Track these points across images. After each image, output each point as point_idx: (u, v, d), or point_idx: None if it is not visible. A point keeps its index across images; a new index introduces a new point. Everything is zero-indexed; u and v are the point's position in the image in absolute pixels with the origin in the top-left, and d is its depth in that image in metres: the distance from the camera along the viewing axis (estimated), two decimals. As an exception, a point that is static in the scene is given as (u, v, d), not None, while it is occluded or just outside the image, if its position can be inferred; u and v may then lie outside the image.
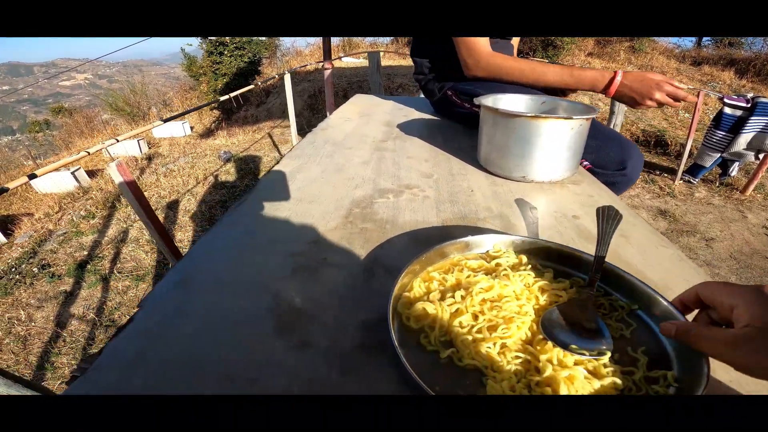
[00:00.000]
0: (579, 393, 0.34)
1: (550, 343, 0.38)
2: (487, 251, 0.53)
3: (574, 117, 0.73)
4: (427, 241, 0.59)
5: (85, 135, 8.10)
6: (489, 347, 0.38)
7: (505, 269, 0.48)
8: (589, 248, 0.60)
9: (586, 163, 0.98)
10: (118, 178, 1.29)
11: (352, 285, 0.49)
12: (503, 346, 0.39)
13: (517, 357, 0.38)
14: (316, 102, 5.70)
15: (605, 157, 0.96)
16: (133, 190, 1.29)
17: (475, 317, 0.42)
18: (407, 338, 0.41)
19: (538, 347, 0.39)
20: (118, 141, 1.55)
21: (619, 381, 0.35)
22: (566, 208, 0.72)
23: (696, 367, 0.35)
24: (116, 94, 9.53)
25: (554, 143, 0.76)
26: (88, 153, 1.62)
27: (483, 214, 0.67)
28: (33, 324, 2.22)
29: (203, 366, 0.38)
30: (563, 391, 0.34)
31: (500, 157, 0.82)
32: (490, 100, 0.90)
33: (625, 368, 0.37)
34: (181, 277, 0.52)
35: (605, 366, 0.37)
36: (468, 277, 0.47)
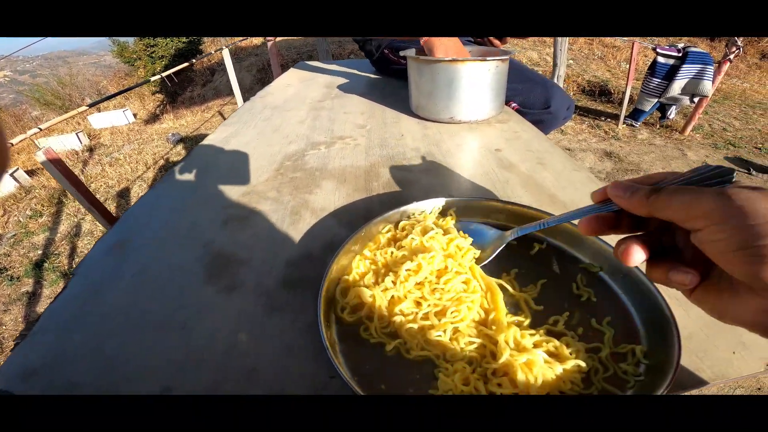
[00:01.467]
0: (538, 380, 0.30)
1: (506, 322, 0.35)
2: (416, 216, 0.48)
3: (489, 59, 0.76)
4: (354, 182, 0.61)
5: (16, 134, 7.42)
6: (439, 335, 0.35)
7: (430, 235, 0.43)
8: (506, 175, 0.64)
9: (514, 104, 1.02)
10: (48, 166, 1.23)
11: (279, 228, 0.51)
12: (455, 331, 0.35)
13: (471, 342, 0.34)
14: (266, 76, 5.47)
15: (531, 98, 1.02)
16: (66, 174, 1.23)
17: (418, 304, 0.38)
18: (347, 330, 0.37)
19: (494, 327, 0.35)
20: (41, 130, 1.45)
21: (583, 364, 0.32)
22: (491, 143, 0.76)
23: (667, 337, 0.32)
24: (42, 88, 8.71)
25: (475, 84, 0.79)
26: (12, 144, 1.52)
27: (410, 154, 0.70)
28: (4, 327, 2.17)
29: (137, 317, 0.40)
30: (521, 379, 0.30)
31: (428, 102, 0.85)
32: (413, 51, 0.92)
33: (589, 345, 0.34)
34: (115, 240, 0.52)
35: (568, 345, 0.33)
36: (392, 255, 0.42)
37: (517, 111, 1.01)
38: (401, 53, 0.90)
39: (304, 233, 0.50)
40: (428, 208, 0.48)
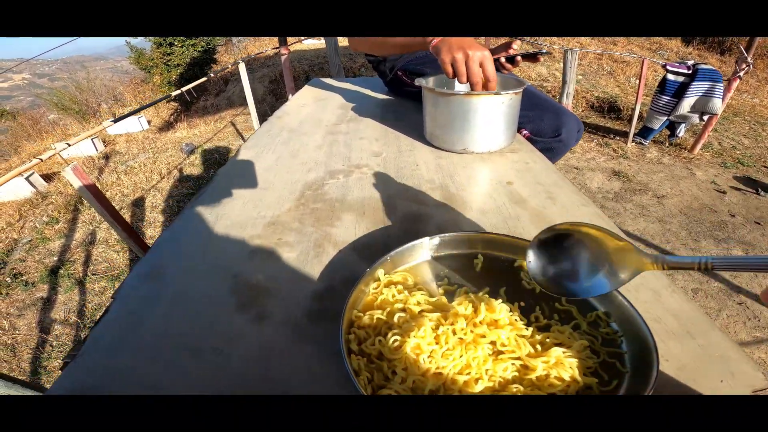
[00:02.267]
0: (574, 373, 0.35)
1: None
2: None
3: (503, 93, 0.80)
4: (373, 215, 0.65)
5: (33, 138, 7.63)
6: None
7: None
8: (516, 210, 0.67)
9: (525, 132, 1.05)
10: (76, 183, 1.28)
11: (303, 260, 0.55)
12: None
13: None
14: (278, 87, 5.58)
15: (542, 126, 1.04)
16: (93, 192, 1.28)
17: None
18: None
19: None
20: (69, 145, 1.51)
21: (585, 342, 0.38)
22: (502, 175, 0.79)
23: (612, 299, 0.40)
24: (61, 92, 8.94)
25: (488, 117, 0.82)
26: (41, 160, 1.58)
27: (425, 186, 0.74)
28: (17, 332, 2.21)
29: (174, 342, 0.43)
30: (558, 380, 0.35)
31: (443, 133, 0.88)
32: (431, 81, 0.96)
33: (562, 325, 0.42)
34: (148, 268, 0.56)
35: (560, 332, 0.40)
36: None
37: (528, 139, 1.04)
38: (416, 82, 0.94)
39: (327, 266, 0.53)
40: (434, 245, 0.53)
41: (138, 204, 3.22)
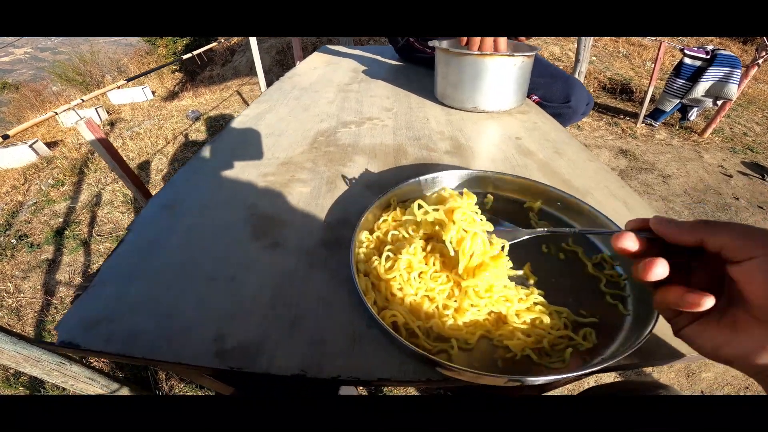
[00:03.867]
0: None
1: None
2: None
3: (516, 54, 0.80)
4: (384, 158, 0.66)
5: (36, 108, 7.58)
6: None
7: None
8: (524, 161, 0.69)
9: (535, 97, 1.06)
10: (89, 136, 1.29)
11: (316, 195, 0.57)
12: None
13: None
14: (285, 58, 5.50)
15: (552, 92, 1.05)
16: (105, 145, 1.30)
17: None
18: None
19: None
20: (83, 101, 1.52)
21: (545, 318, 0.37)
22: (511, 132, 0.80)
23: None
24: (64, 64, 8.82)
25: (500, 77, 0.83)
26: (56, 113, 1.59)
27: (435, 137, 0.75)
28: (22, 295, 2.19)
29: (189, 271, 0.43)
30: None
31: (454, 91, 0.89)
32: (445, 43, 0.96)
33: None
34: (165, 201, 0.57)
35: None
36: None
37: (538, 104, 1.04)
38: (430, 43, 0.94)
39: (339, 200, 0.55)
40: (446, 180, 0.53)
41: (143, 167, 3.24)
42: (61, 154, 3.76)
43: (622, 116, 3.71)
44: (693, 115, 3.46)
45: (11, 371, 1.66)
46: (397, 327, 0.36)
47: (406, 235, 0.43)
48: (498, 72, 0.82)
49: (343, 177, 0.61)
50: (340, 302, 0.40)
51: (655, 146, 3.26)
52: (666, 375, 1.32)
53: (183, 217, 0.53)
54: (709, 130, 3.41)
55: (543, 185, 0.52)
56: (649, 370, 1.33)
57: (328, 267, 0.44)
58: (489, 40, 0.79)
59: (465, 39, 0.82)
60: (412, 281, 0.38)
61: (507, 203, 0.54)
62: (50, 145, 4.12)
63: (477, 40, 0.80)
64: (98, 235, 2.50)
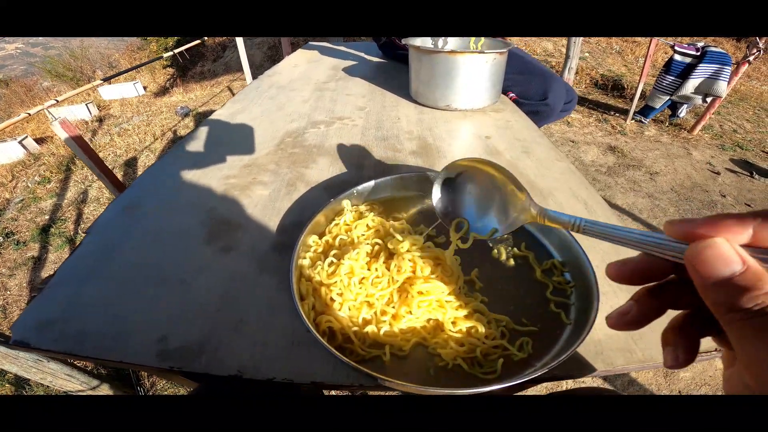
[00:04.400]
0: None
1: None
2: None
3: (487, 51, 0.79)
4: (348, 159, 0.66)
5: (26, 104, 7.49)
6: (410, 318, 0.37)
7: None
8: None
9: (512, 94, 1.05)
10: (63, 135, 1.28)
11: (275, 197, 0.56)
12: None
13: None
14: (276, 53, 5.45)
15: (529, 89, 1.04)
16: (80, 144, 1.28)
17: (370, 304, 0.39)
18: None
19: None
20: (57, 101, 1.50)
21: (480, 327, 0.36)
22: (481, 130, 0.79)
23: (570, 248, 0.41)
24: (54, 60, 8.73)
25: (472, 75, 0.82)
26: (29, 114, 1.57)
27: (403, 137, 0.74)
28: (8, 292, 2.19)
29: (144, 273, 0.44)
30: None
31: (427, 90, 0.88)
32: (418, 40, 0.95)
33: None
34: (127, 203, 0.57)
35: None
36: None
37: (515, 101, 1.03)
38: (403, 41, 0.93)
39: (297, 202, 0.55)
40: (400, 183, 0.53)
41: (131, 164, 3.21)
42: (49, 151, 3.73)
43: (612, 113, 3.72)
44: (683, 112, 3.47)
45: (-7, 371, 1.65)
46: (333, 332, 0.36)
47: (356, 239, 0.43)
48: (470, 69, 0.81)
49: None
50: (285, 307, 0.40)
51: (644, 143, 3.27)
52: (644, 374, 1.33)
53: (143, 219, 0.53)
54: (699, 127, 3.43)
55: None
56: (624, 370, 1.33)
57: (278, 271, 0.44)
58: None
59: None
60: (352, 287, 0.38)
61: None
62: (39, 141, 4.08)
63: None
64: (84, 233, 2.48)
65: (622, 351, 0.36)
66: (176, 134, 3.67)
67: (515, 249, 0.46)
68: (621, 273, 0.21)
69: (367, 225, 0.46)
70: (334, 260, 0.40)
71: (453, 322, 0.36)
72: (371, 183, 0.51)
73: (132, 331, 0.38)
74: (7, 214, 2.83)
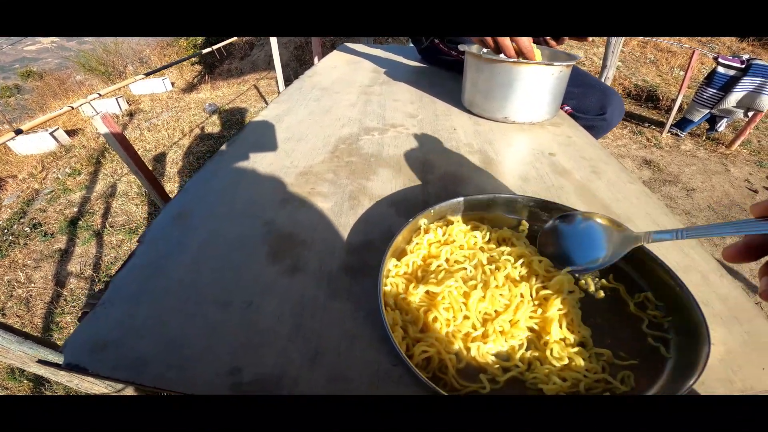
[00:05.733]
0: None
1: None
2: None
3: (555, 63, 0.75)
4: (410, 172, 0.62)
5: (59, 96, 7.75)
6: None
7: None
8: (560, 181, 0.64)
9: (567, 108, 1.00)
10: (103, 130, 1.28)
11: (338, 212, 0.53)
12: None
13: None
14: (303, 53, 5.48)
15: (586, 103, 0.99)
16: (119, 140, 1.28)
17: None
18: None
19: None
20: (101, 96, 1.51)
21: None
22: (544, 146, 0.75)
23: (665, 281, 0.38)
24: (88, 54, 8.99)
25: (535, 87, 0.77)
26: (72, 108, 1.59)
27: (463, 149, 0.70)
28: (33, 285, 2.20)
29: (203, 293, 0.40)
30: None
31: (483, 100, 0.84)
32: (475, 47, 0.90)
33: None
34: (178, 210, 0.54)
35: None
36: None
37: (570, 115, 0.98)
38: (460, 47, 0.89)
39: (362, 218, 0.51)
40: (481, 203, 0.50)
41: (159, 159, 3.26)
42: (80, 143, 3.81)
43: (647, 124, 3.60)
44: (722, 126, 3.33)
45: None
46: (430, 361, 0.34)
47: (460, 259, 0.41)
48: (533, 81, 0.77)
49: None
50: (365, 337, 0.36)
51: (680, 157, 3.15)
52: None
53: (196, 230, 0.50)
54: (738, 142, 3.28)
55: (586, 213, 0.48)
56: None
57: (351, 296, 0.40)
58: (527, 44, 0.73)
59: (492, 43, 0.75)
60: (460, 298, 0.36)
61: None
62: (70, 133, 4.18)
63: (509, 43, 0.73)
64: (111, 227, 2.52)
65: (722, 381, 0.34)
66: (204, 131, 3.72)
67: (603, 280, 0.43)
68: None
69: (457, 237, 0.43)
70: (433, 282, 0.37)
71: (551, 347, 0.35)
72: (452, 201, 0.48)
73: (197, 359, 0.34)
74: (36, 205, 2.89)
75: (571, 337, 0.36)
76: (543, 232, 0.43)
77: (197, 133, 3.66)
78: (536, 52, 0.79)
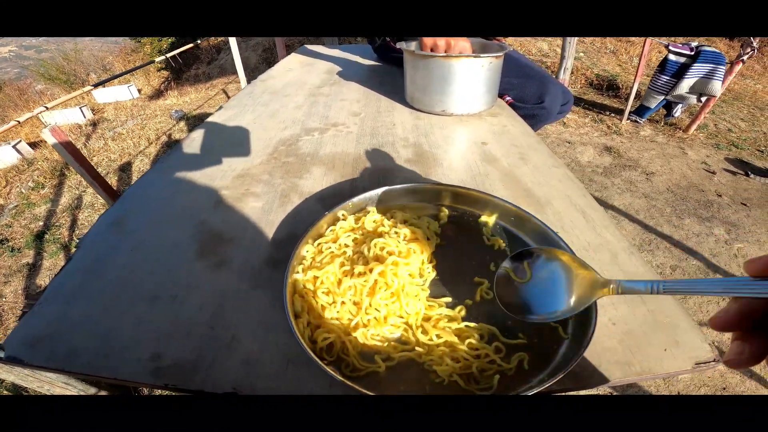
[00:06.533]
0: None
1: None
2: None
3: (483, 55, 0.78)
4: (342, 169, 0.65)
5: (20, 107, 7.44)
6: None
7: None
8: (487, 168, 0.67)
9: (508, 98, 1.04)
10: (52, 141, 1.26)
11: (268, 209, 0.55)
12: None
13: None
14: (272, 56, 5.43)
15: (526, 93, 1.03)
16: (70, 151, 1.26)
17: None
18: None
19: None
20: (47, 108, 1.48)
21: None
22: (478, 136, 0.78)
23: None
24: (48, 63, 8.67)
25: (468, 79, 0.81)
26: (19, 122, 1.55)
27: (399, 144, 0.73)
28: (4, 299, 2.17)
29: (134, 290, 0.43)
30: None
31: (422, 95, 0.87)
32: (413, 45, 0.94)
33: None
34: (114, 217, 0.56)
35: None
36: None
37: (511, 105, 1.03)
38: (397, 44, 0.92)
39: (291, 214, 0.53)
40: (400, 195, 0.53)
41: (125, 169, 3.18)
42: (42, 156, 3.69)
43: (607, 113, 3.73)
44: (678, 111, 3.49)
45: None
46: (332, 346, 0.37)
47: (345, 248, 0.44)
48: (466, 74, 0.80)
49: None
50: (280, 324, 0.39)
51: (640, 143, 3.27)
52: (644, 375, 1.33)
53: (132, 234, 0.52)
54: (694, 127, 3.44)
55: (498, 199, 0.51)
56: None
57: (272, 286, 0.43)
58: (448, 41, 0.78)
59: (428, 43, 0.80)
60: (337, 283, 0.39)
61: (462, 217, 0.53)
62: (33, 145, 4.04)
63: (441, 43, 0.78)
64: (78, 239, 2.46)
65: (620, 364, 0.35)
66: (171, 138, 3.65)
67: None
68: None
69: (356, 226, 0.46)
70: (317, 266, 0.40)
71: (435, 324, 0.37)
72: (369, 193, 0.50)
73: (123, 348, 0.37)
74: (2, 221, 2.80)
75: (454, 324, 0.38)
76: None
77: (164, 140, 3.59)
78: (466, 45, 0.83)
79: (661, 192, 2.70)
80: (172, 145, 3.50)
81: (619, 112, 3.66)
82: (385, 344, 0.37)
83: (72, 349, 0.38)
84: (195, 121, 3.98)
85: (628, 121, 3.55)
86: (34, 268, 2.33)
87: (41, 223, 2.69)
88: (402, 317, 0.39)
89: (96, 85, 1.77)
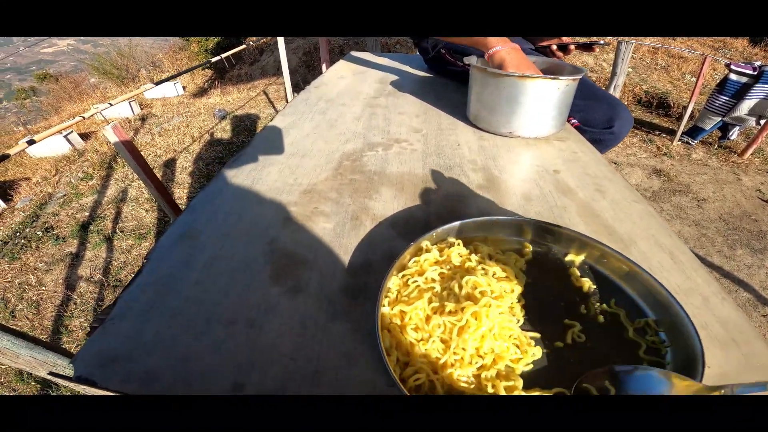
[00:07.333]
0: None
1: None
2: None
3: (560, 77, 0.74)
4: (412, 191, 0.62)
5: (74, 99, 7.91)
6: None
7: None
8: (563, 200, 0.63)
9: (574, 121, 0.99)
10: (114, 139, 1.30)
11: (340, 232, 0.53)
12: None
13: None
14: (312, 59, 5.53)
15: (593, 116, 0.98)
16: (130, 149, 1.30)
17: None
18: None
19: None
20: (111, 105, 1.54)
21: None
22: (548, 163, 0.74)
23: (668, 307, 0.38)
24: (102, 58, 9.19)
25: (540, 102, 0.77)
26: (84, 118, 1.62)
27: (467, 166, 0.70)
28: (44, 288, 2.24)
29: (208, 311, 0.42)
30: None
31: (488, 114, 0.84)
32: (480, 61, 0.90)
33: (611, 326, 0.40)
34: (184, 230, 0.55)
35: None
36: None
37: (577, 128, 0.98)
38: (465, 60, 0.89)
39: (365, 240, 0.51)
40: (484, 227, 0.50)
41: (169, 165, 3.30)
42: (92, 147, 3.88)
43: (657, 132, 3.56)
44: (734, 134, 3.28)
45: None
46: (420, 387, 0.35)
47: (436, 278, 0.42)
48: (539, 96, 0.77)
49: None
50: (363, 358, 0.37)
51: (691, 166, 3.10)
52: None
53: (202, 249, 0.51)
54: (750, 151, 3.23)
55: (586, 238, 0.47)
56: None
57: (350, 317, 0.41)
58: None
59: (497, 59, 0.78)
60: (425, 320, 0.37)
61: (547, 255, 0.50)
62: (84, 136, 4.25)
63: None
64: (121, 232, 2.55)
65: None
66: (213, 136, 3.76)
67: (605, 305, 0.43)
68: None
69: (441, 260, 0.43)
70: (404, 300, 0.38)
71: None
72: (451, 225, 0.48)
73: (203, 373, 0.36)
74: (48, 209, 2.94)
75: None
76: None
77: (207, 138, 3.71)
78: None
79: (712, 220, 2.55)
80: (214, 144, 3.60)
81: (670, 132, 3.49)
82: (472, 386, 0.35)
83: (148, 373, 0.36)
84: (237, 120, 4.08)
85: (680, 142, 3.37)
86: (76, 258, 2.42)
87: (87, 214, 2.80)
88: (482, 357, 0.37)
89: (157, 84, 1.84)
